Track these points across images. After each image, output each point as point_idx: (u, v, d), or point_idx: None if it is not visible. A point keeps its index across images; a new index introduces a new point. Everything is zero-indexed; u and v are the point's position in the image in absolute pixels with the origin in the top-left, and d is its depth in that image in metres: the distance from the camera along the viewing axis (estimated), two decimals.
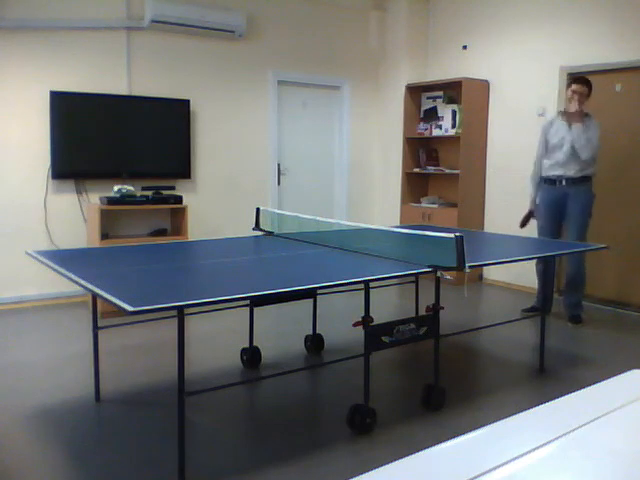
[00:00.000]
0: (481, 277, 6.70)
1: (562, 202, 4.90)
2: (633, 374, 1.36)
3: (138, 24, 5.66)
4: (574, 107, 4.78)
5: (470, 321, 5.06)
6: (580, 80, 4.84)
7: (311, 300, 4.11)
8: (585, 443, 1.03)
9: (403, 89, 6.99)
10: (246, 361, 3.90)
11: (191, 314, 3.66)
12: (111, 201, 5.25)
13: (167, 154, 5.87)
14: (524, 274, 6.05)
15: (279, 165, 6.76)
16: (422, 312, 3.54)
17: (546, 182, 4.97)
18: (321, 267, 3.07)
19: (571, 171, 4.83)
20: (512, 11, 6.25)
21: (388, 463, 0.93)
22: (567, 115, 4.86)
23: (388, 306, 5.51)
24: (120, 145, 5.61)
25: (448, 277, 2.93)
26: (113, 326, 3.46)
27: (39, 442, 2.85)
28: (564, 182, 4.87)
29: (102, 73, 5.56)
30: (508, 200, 6.37)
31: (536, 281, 5.23)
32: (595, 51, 5.54)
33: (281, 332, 4.78)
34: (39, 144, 5.31)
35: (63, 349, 4.22)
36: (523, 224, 5.14)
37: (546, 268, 4.93)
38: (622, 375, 1.36)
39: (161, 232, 5.71)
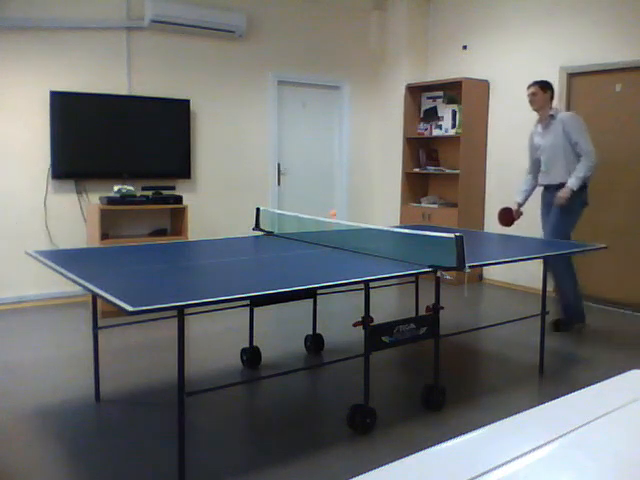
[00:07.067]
0: (481, 277, 6.70)
1: (549, 209, 4.79)
2: (633, 374, 1.36)
3: (138, 24, 5.66)
4: (535, 110, 4.77)
5: (470, 321, 5.06)
6: (533, 82, 4.78)
7: (311, 300, 4.11)
8: (585, 443, 1.03)
9: (403, 89, 6.99)
10: (246, 361, 3.89)
11: (191, 314, 3.65)
12: (111, 201, 5.25)
13: (167, 154, 5.87)
14: (524, 274, 6.05)
15: (279, 165, 6.76)
16: (422, 312, 3.54)
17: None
18: (321, 267, 3.07)
19: (551, 178, 4.74)
20: (512, 11, 6.25)
21: (388, 463, 0.93)
22: (539, 121, 4.82)
23: (388, 306, 5.51)
24: (120, 145, 5.61)
25: (448, 277, 2.93)
26: (113, 326, 3.46)
27: (39, 442, 2.85)
28: (549, 190, 4.77)
29: (102, 73, 5.56)
30: (508, 200, 6.35)
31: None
32: (595, 51, 5.54)
33: (281, 332, 4.78)
34: (39, 144, 5.31)
35: (63, 349, 4.22)
36: (510, 222, 4.97)
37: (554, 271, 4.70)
38: (622, 375, 1.36)
39: (161, 232, 5.71)
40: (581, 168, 4.55)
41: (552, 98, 4.76)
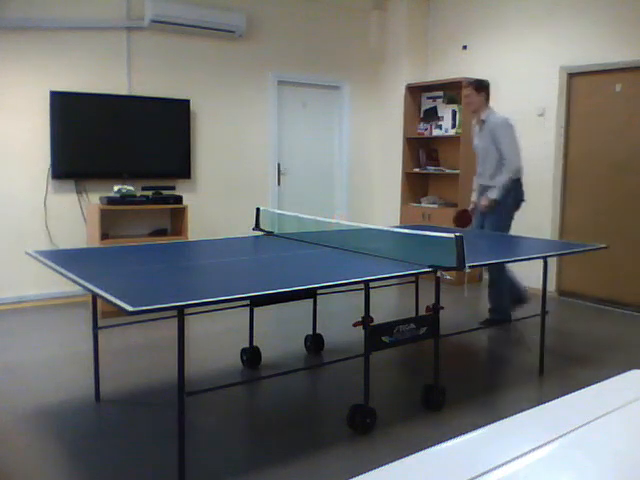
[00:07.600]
0: (481, 277, 6.69)
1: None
2: (633, 374, 1.36)
3: (138, 24, 5.66)
4: (472, 112, 4.78)
5: (470, 321, 5.06)
6: (467, 83, 4.73)
7: (311, 300, 4.11)
8: (585, 443, 1.03)
9: (403, 89, 6.99)
10: (246, 361, 3.89)
11: (191, 314, 3.65)
12: (111, 201, 5.25)
13: (167, 154, 5.86)
14: (524, 274, 6.04)
15: (279, 165, 6.76)
16: (422, 312, 3.54)
17: None
18: (321, 267, 3.07)
19: (482, 179, 4.80)
20: (512, 11, 6.25)
21: (388, 463, 0.93)
22: (476, 122, 4.83)
23: (388, 306, 5.51)
24: (120, 145, 5.61)
25: (448, 277, 2.93)
26: (113, 326, 3.46)
27: (39, 442, 2.85)
28: (481, 190, 4.83)
29: (102, 73, 5.56)
30: None
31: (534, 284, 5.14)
32: (595, 51, 5.54)
33: (281, 332, 4.78)
34: (39, 144, 5.31)
35: (63, 349, 4.22)
36: (468, 222, 4.92)
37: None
38: (622, 375, 1.36)
39: (161, 232, 5.71)
40: (501, 178, 4.57)
41: (487, 98, 4.67)
